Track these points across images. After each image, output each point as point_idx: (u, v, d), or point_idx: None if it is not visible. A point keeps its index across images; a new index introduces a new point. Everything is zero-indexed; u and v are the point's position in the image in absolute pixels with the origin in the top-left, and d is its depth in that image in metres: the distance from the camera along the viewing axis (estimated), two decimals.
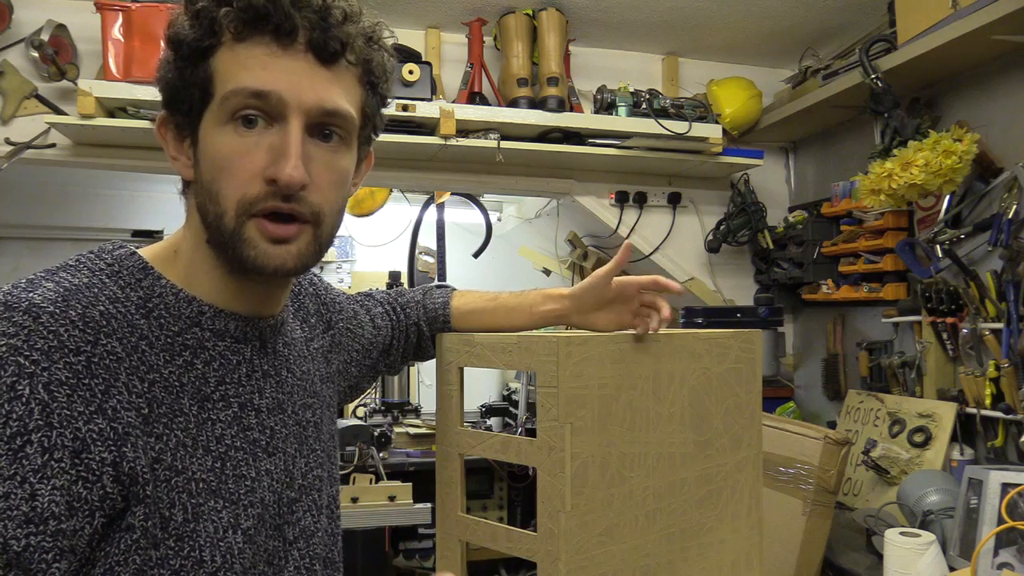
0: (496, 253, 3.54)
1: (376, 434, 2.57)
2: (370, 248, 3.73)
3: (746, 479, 1.13)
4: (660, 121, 2.28)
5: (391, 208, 3.39)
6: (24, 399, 0.59)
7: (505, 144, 2.20)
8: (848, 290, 2.28)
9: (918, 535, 1.53)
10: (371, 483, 2.36)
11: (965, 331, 1.89)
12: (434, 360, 1.13)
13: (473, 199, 3.25)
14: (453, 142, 2.16)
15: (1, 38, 1.99)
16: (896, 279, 2.14)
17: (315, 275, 1.01)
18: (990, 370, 1.80)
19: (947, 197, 1.94)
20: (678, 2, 2.22)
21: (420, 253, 3.43)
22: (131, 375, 0.65)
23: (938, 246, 1.95)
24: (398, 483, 2.38)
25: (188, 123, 0.72)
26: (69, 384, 0.61)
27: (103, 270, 0.69)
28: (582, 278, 2.11)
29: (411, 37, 2.34)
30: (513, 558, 2.17)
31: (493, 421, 3.14)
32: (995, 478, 1.52)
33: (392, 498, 2.33)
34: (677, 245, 2.62)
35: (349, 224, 3.55)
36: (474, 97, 2.31)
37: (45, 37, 1.96)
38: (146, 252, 0.74)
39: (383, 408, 3.10)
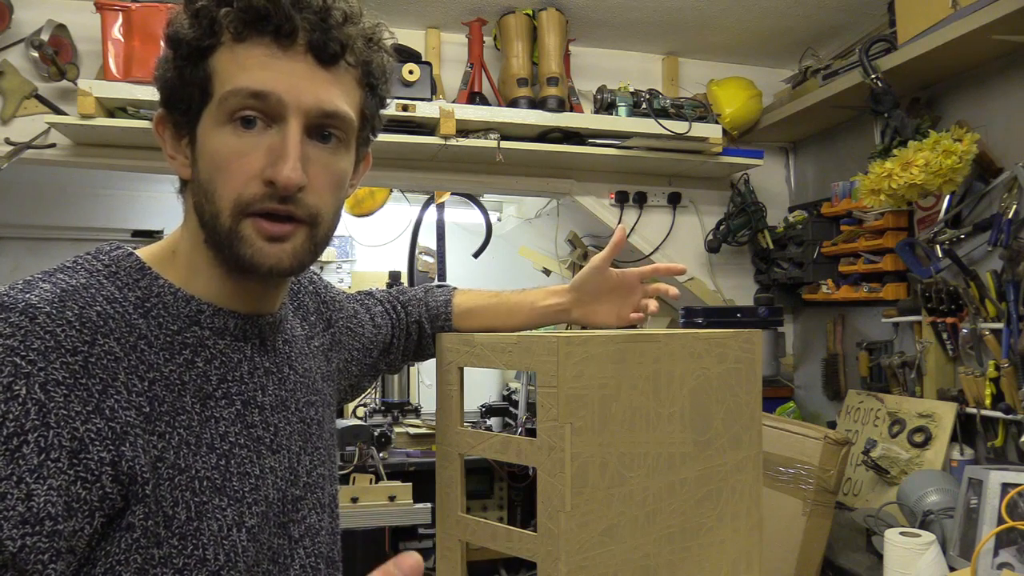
0: (496, 253, 3.55)
1: (376, 434, 2.57)
2: (370, 248, 3.74)
3: (746, 479, 1.13)
4: (660, 121, 2.28)
5: (391, 208, 3.39)
6: (21, 399, 0.59)
7: (505, 144, 2.20)
8: (848, 290, 2.28)
9: (918, 535, 1.53)
10: (371, 483, 2.36)
11: (965, 331, 1.89)
12: (434, 360, 1.13)
13: (473, 199, 3.26)
14: (453, 142, 2.16)
15: (1, 38, 1.99)
16: (896, 279, 2.14)
17: (315, 274, 1.02)
18: (990, 370, 1.80)
19: (947, 197, 1.94)
20: (678, 2, 2.22)
21: (420, 253, 3.43)
22: (130, 374, 0.65)
23: (938, 246, 1.95)
24: (398, 483, 2.38)
25: (186, 122, 0.72)
26: (66, 384, 0.61)
27: (100, 271, 0.69)
28: None
29: (411, 37, 2.34)
30: (513, 558, 2.17)
31: (493, 421, 3.14)
32: (995, 478, 1.52)
33: (392, 498, 2.33)
34: (677, 245, 2.62)
35: (349, 224, 3.55)
36: (474, 97, 2.31)
37: (45, 37, 1.96)
38: (143, 252, 0.75)
39: (383, 408, 3.10)
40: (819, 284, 2.40)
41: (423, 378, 3.55)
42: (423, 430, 2.90)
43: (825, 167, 2.59)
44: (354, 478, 2.35)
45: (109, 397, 0.63)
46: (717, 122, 2.40)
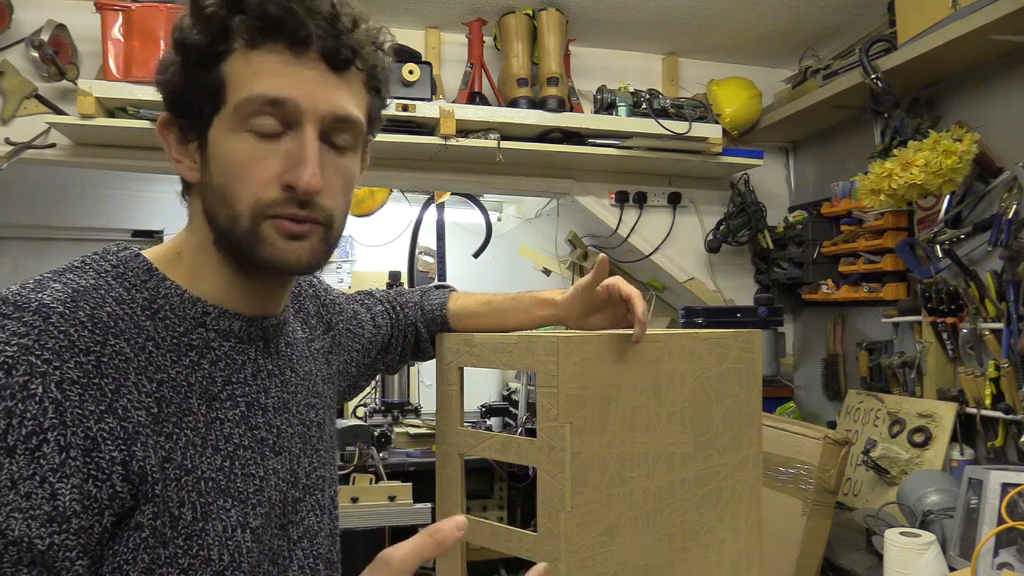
0: (496, 253, 3.54)
1: (376, 434, 2.57)
2: (370, 248, 3.73)
3: (746, 479, 1.13)
4: (660, 121, 2.28)
5: (391, 208, 3.39)
6: (38, 398, 0.59)
7: (505, 144, 2.20)
8: (848, 290, 2.28)
9: (918, 535, 1.53)
10: (371, 483, 2.35)
11: (965, 331, 1.89)
12: (434, 360, 1.13)
13: (473, 199, 3.26)
14: (453, 142, 2.16)
15: (1, 38, 1.99)
16: (896, 279, 2.14)
17: (314, 276, 1.02)
18: (990, 370, 1.80)
19: (947, 197, 1.94)
20: (678, 2, 2.22)
21: (420, 253, 3.43)
22: (140, 375, 0.66)
23: (938, 246, 1.95)
24: (398, 483, 2.37)
25: (195, 127, 0.72)
26: (80, 383, 0.61)
27: (109, 271, 0.70)
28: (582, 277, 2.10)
29: (411, 37, 2.34)
30: (513, 558, 2.17)
31: (493, 421, 3.14)
32: (995, 478, 1.52)
33: (392, 498, 2.33)
34: (677, 245, 2.62)
35: (349, 224, 3.52)
36: (474, 97, 2.31)
37: (45, 37, 1.96)
38: (150, 254, 0.75)
39: (383, 408, 3.10)
40: (819, 284, 2.40)
41: (423, 378, 3.55)
42: (423, 430, 2.90)
43: (825, 167, 2.59)
44: (354, 478, 2.35)
45: (121, 397, 0.63)
46: (717, 122, 2.40)
